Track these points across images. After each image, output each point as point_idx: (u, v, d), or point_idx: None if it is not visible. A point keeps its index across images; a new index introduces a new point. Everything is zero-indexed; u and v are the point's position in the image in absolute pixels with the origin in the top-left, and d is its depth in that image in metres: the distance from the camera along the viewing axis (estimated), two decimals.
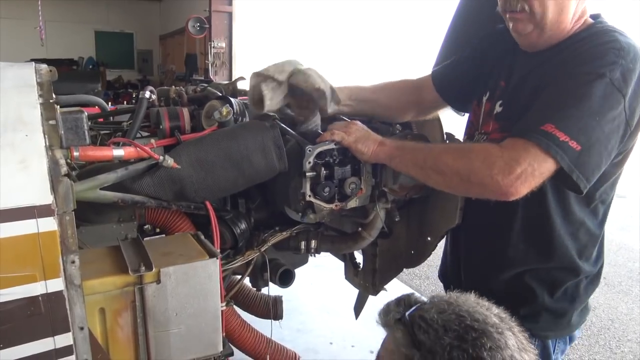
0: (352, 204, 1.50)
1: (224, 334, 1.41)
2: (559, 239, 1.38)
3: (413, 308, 0.81)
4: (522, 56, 1.42)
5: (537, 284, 1.43)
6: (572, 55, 1.26)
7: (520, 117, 1.28)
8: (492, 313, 0.79)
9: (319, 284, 3.81)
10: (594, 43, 1.24)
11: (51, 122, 1.05)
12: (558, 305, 1.44)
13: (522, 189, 1.17)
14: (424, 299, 0.88)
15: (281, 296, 2.11)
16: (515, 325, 0.80)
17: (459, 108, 1.72)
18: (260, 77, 1.47)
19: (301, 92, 1.43)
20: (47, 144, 1.01)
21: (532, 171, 1.16)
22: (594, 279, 1.49)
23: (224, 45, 7.81)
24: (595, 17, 1.36)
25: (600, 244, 1.46)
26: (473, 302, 0.81)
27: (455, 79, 1.64)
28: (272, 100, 1.45)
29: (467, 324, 0.75)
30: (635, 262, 4.99)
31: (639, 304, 4.12)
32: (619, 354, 3.41)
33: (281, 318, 2.09)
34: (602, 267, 1.49)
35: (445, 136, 1.75)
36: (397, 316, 0.81)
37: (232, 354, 1.40)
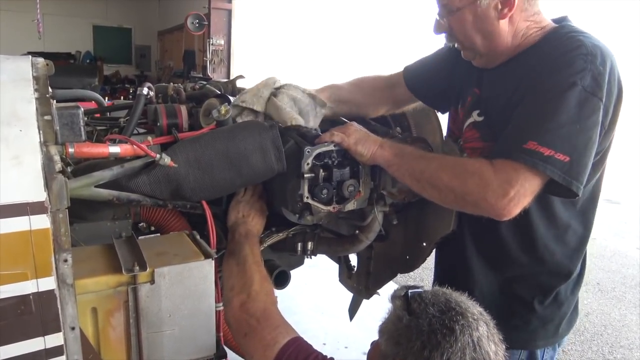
0: (350, 206, 1.48)
1: (220, 335, 1.39)
2: (543, 243, 1.38)
3: (416, 289, 0.99)
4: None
5: (527, 291, 1.43)
6: (540, 65, 1.27)
7: (500, 129, 1.30)
8: (475, 308, 0.95)
9: (313, 284, 3.80)
10: (560, 51, 1.24)
11: (46, 117, 1.03)
12: (547, 311, 1.44)
13: (515, 210, 1.20)
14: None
15: (276, 297, 2.09)
16: (491, 323, 0.95)
17: (432, 105, 1.71)
18: (237, 110, 1.49)
19: None
20: (42, 139, 0.99)
21: (524, 192, 1.18)
22: (578, 279, 1.49)
23: (222, 42, 7.76)
24: (560, 20, 1.36)
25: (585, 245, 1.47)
26: (463, 298, 0.98)
27: (428, 77, 1.64)
28: None
29: (451, 305, 0.93)
30: (629, 268, 5.00)
31: (632, 310, 4.13)
32: None
33: None
34: (584, 267, 1.49)
35: (443, 138, 1.74)
36: (403, 292, 0.99)
37: (225, 356, 1.38)
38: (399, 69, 1.74)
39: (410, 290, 0.98)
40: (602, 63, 1.19)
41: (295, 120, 1.47)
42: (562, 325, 1.48)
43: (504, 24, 1.30)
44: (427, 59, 1.69)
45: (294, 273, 1.99)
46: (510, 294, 1.44)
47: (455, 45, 1.43)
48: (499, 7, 1.28)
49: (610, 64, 1.20)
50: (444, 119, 1.76)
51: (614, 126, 1.29)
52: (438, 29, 1.41)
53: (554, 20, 1.37)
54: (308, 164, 1.37)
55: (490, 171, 1.20)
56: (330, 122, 1.67)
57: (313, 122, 1.50)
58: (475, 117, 1.43)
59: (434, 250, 1.66)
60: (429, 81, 1.64)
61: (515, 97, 1.29)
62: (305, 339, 1.20)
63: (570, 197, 1.23)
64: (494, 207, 1.20)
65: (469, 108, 1.47)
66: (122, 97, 7.94)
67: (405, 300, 0.96)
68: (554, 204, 1.36)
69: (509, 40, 1.33)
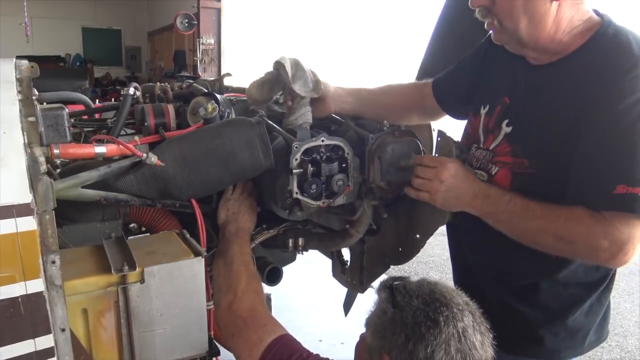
0: (340, 201, 1.48)
1: (211, 333, 1.39)
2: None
3: (401, 281, 0.99)
4: (525, 69, 1.34)
5: (556, 302, 1.37)
6: (596, 85, 1.17)
7: (532, 139, 1.25)
8: (461, 298, 0.95)
9: (308, 282, 3.81)
10: (619, 70, 1.15)
11: (30, 119, 1.02)
12: (575, 322, 1.38)
13: (631, 259, 1.15)
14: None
15: (269, 294, 2.09)
16: (477, 312, 0.95)
17: (461, 118, 1.65)
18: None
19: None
20: (26, 141, 0.99)
21: (634, 243, 1.14)
22: (609, 285, 1.43)
23: (212, 41, 7.73)
24: (596, 13, 1.26)
25: None
26: (449, 288, 0.97)
27: (456, 90, 1.59)
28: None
29: (435, 296, 0.93)
30: None
31: (625, 298, 4.17)
32: (606, 347, 3.44)
33: None
34: (615, 273, 1.43)
35: (433, 133, 1.74)
36: (388, 284, 0.99)
37: (218, 353, 1.38)
38: (394, 72, 1.73)
39: (395, 282, 0.98)
40: None
41: (283, 61, 1.45)
42: (590, 334, 1.42)
43: (554, 7, 1.19)
44: (452, 70, 1.63)
45: (288, 270, 2.00)
46: (538, 305, 1.39)
47: (486, 25, 1.30)
48: None
49: None
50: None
51: None
52: (477, 2, 1.27)
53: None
54: (296, 159, 1.37)
55: (599, 231, 1.14)
56: (323, 122, 1.67)
57: (297, 89, 1.49)
58: (504, 128, 1.36)
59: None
60: (457, 95, 1.59)
61: (560, 107, 1.22)
62: (301, 336, 1.20)
63: None
64: (609, 264, 1.20)
65: (498, 118, 1.39)
66: (113, 99, 7.91)
67: (390, 293, 0.96)
68: None
69: (553, 31, 1.22)
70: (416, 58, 2.19)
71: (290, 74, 1.46)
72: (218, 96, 1.54)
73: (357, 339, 1.12)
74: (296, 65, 1.49)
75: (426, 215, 1.61)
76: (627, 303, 4.08)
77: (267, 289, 1.94)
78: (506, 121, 1.35)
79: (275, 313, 2.18)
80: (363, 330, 1.09)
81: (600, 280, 1.38)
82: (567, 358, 1.43)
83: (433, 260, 4.67)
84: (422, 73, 2.10)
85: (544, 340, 1.39)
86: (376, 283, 1.91)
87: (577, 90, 1.20)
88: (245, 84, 2.07)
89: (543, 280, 1.37)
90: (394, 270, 2.01)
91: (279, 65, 1.45)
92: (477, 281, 1.49)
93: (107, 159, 1.28)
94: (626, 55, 1.16)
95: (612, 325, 3.64)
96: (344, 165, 1.46)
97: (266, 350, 1.11)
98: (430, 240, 1.69)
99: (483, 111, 1.46)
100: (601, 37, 1.21)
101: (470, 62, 1.58)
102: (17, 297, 0.97)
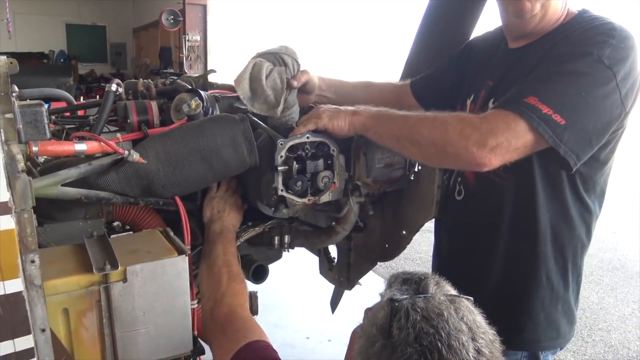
0: (325, 198, 1.48)
1: (196, 332, 1.38)
2: (544, 235, 1.34)
3: (408, 297, 0.79)
4: (506, 52, 1.41)
5: (537, 290, 1.38)
6: (562, 41, 1.24)
7: None
8: (472, 344, 0.74)
9: (296, 279, 3.80)
10: (585, 27, 1.23)
11: (7, 115, 1.00)
12: (555, 312, 1.40)
13: (495, 161, 1.14)
14: (441, 285, 0.85)
15: (256, 292, 2.08)
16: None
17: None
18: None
19: None
20: (3, 138, 0.97)
21: (508, 145, 1.13)
22: (580, 278, 1.46)
23: (198, 38, 7.67)
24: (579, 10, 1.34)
25: None
26: (465, 324, 0.76)
27: (436, 88, 1.63)
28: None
29: (437, 345, 0.72)
30: (605, 252, 5.10)
31: (609, 293, 4.22)
32: (590, 342, 3.48)
33: (256, 314, 2.06)
34: (582, 265, 1.46)
35: None
36: (395, 296, 0.80)
37: (203, 352, 1.37)
38: (379, 69, 1.76)
39: (401, 300, 0.79)
40: (624, 41, 1.16)
41: (239, 80, 1.47)
42: (564, 326, 1.43)
43: None
44: (433, 71, 1.68)
45: (276, 268, 1.98)
46: (519, 294, 1.39)
47: None
48: None
49: (636, 51, 1.17)
50: None
51: (628, 114, 1.24)
52: None
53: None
54: (281, 156, 1.37)
55: (475, 120, 1.16)
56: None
57: (256, 109, 1.49)
58: (490, 106, 1.38)
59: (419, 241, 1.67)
60: (437, 94, 1.62)
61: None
62: (289, 333, 1.18)
63: (563, 168, 1.19)
64: (475, 157, 1.14)
65: (483, 101, 1.42)
66: (97, 96, 7.81)
67: (390, 314, 0.78)
68: (564, 192, 1.32)
69: (560, 9, 1.29)
70: (401, 55, 2.20)
71: (248, 93, 1.45)
72: (202, 93, 1.52)
73: (344, 336, 1.06)
74: (256, 79, 1.46)
75: (412, 211, 1.62)
76: (610, 298, 4.13)
77: (254, 287, 1.93)
78: (492, 100, 1.38)
79: (263, 311, 2.18)
80: (350, 327, 0.99)
81: (573, 269, 1.41)
82: (547, 349, 1.44)
83: (420, 256, 4.69)
84: (408, 71, 2.11)
85: (525, 330, 1.40)
86: (364, 280, 1.91)
87: (548, 52, 1.25)
88: (231, 80, 2.06)
89: (522, 266, 1.38)
90: (382, 267, 2.01)
91: (236, 86, 1.44)
92: (456, 278, 1.50)
93: (88, 157, 1.26)
94: (599, 19, 1.23)
95: (595, 320, 3.72)
96: (329, 162, 1.45)
97: (233, 358, 1.08)
98: (417, 237, 1.70)
99: (469, 101, 1.49)
100: (580, 16, 1.30)
101: (451, 62, 1.63)
102: None
